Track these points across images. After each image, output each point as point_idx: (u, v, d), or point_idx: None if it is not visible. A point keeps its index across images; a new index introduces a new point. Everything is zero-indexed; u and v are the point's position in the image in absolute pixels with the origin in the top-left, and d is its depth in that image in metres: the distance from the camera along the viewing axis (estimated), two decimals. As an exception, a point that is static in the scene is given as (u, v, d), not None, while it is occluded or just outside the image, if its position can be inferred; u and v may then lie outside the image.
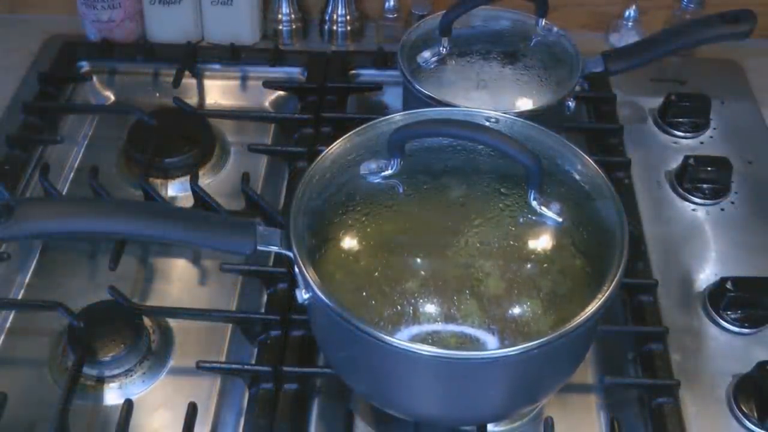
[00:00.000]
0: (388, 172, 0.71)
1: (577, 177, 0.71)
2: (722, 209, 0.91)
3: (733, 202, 0.92)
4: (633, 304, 0.80)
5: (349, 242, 0.71)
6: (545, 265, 0.71)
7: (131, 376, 0.75)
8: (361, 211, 0.71)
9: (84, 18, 1.09)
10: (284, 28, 1.12)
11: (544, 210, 0.67)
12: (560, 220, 0.67)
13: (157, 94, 1.07)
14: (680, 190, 0.92)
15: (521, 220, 0.69)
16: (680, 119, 1.00)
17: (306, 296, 0.63)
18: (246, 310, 0.82)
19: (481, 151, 0.72)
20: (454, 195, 0.71)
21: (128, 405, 0.71)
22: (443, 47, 0.90)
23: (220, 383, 0.76)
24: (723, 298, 0.79)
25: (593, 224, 0.69)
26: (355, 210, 0.71)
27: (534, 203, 0.67)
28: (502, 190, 0.70)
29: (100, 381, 0.75)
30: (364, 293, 0.69)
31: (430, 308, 0.68)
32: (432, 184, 0.72)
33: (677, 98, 1.00)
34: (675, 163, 0.96)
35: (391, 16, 1.12)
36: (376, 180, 0.71)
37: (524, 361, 0.60)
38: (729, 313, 0.80)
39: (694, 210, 0.91)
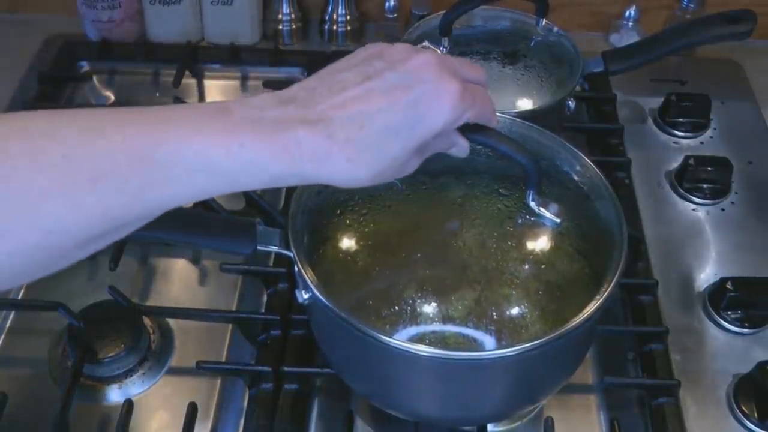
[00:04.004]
0: (444, 51, 0.69)
1: (576, 177, 0.71)
2: (722, 209, 0.91)
3: (733, 202, 0.92)
4: (633, 304, 0.80)
5: (349, 242, 0.72)
6: (544, 266, 0.71)
7: (131, 376, 0.75)
8: (361, 211, 0.71)
9: (84, 18, 1.09)
10: (284, 28, 1.12)
11: (543, 210, 0.67)
12: (558, 220, 0.67)
13: (157, 94, 1.07)
14: (680, 190, 0.92)
15: (520, 220, 0.69)
16: (680, 119, 1.00)
17: (306, 296, 0.63)
18: (246, 310, 0.82)
19: (480, 152, 0.72)
20: (452, 195, 0.71)
21: (128, 405, 0.71)
22: (443, 47, 0.90)
23: (220, 383, 0.76)
24: (723, 298, 0.79)
25: (592, 225, 0.69)
26: (354, 210, 0.71)
27: (532, 203, 0.66)
28: (500, 190, 0.71)
29: (100, 381, 0.75)
30: (363, 293, 0.69)
31: (429, 308, 0.68)
32: (430, 184, 0.72)
33: (677, 98, 1.00)
34: (675, 163, 0.96)
35: (391, 16, 1.12)
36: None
37: (524, 361, 0.60)
38: (729, 313, 0.79)
39: (694, 210, 0.91)
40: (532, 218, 0.68)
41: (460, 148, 0.57)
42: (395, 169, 0.52)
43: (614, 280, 0.62)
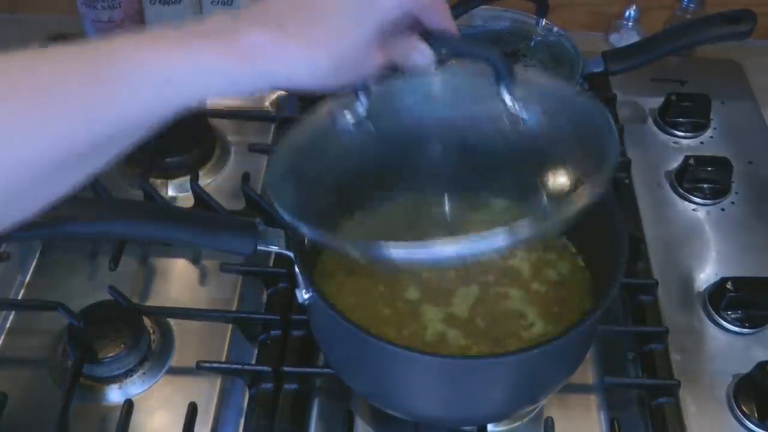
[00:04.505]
0: (361, 111, 0.64)
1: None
2: (722, 209, 0.91)
3: (733, 202, 0.92)
4: (633, 304, 0.80)
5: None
6: (543, 265, 0.71)
7: (131, 376, 0.75)
8: (361, 211, 0.71)
9: (84, 18, 1.09)
10: (284, 28, 1.12)
11: (518, 105, 0.60)
12: (538, 113, 0.61)
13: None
14: (680, 190, 0.92)
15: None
16: (680, 119, 1.00)
17: (306, 296, 0.63)
18: (246, 310, 0.82)
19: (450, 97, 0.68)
20: (452, 195, 0.71)
21: (128, 405, 0.71)
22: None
23: (220, 383, 0.76)
24: (723, 298, 0.79)
25: (593, 221, 0.68)
26: (354, 208, 0.71)
27: (506, 98, 0.59)
28: (497, 188, 0.69)
29: (100, 381, 0.75)
30: (364, 293, 0.69)
31: (430, 308, 0.68)
32: (430, 182, 0.71)
33: (677, 98, 1.00)
34: (675, 163, 0.95)
35: (391, 16, 1.12)
36: (352, 129, 0.64)
37: (524, 361, 0.60)
38: (729, 313, 0.79)
39: (694, 210, 0.91)
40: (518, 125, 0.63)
41: (422, 53, 0.55)
42: (356, 60, 0.52)
43: (617, 281, 0.61)
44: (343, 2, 0.51)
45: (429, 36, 0.55)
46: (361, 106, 0.63)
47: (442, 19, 0.56)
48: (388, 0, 0.52)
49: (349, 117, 0.63)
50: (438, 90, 0.65)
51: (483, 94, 0.61)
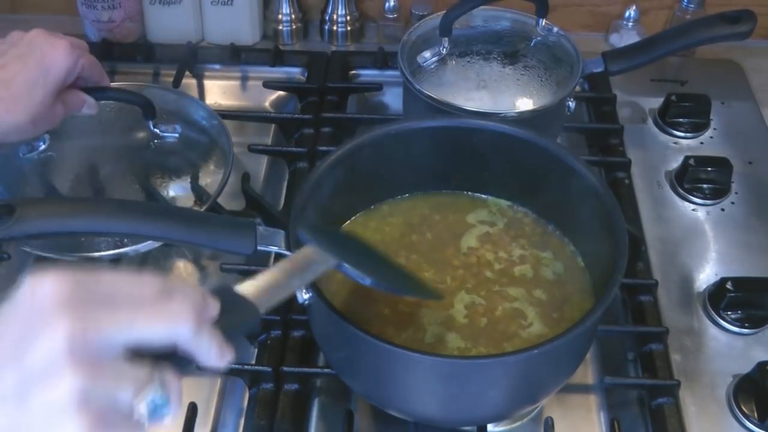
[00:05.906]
0: (444, 51, 0.88)
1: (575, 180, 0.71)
2: (722, 209, 0.91)
3: (733, 202, 0.92)
4: (633, 304, 0.80)
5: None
6: (542, 266, 0.71)
7: (131, 376, 0.75)
8: (362, 213, 0.71)
9: (84, 18, 1.09)
10: (284, 28, 1.12)
11: (164, 131, 0.87)
12: (177, 134, 0.87)
13: (157, 95, 1.07)
14: (680, 190, 0.92)
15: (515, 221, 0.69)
16: (680, 119, 1.00)
17: (306, 296, 0.63)
18: (246, 310, 0.81)
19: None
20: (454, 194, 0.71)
21: (128, 405, 0.71)
22: (443, 47, 0.90)
23: (220, 383, 0.76)
24: (723, 298, 0.79)
25: (591, 223, 0.69)
26: (354, 209, 0.71)
27: (156, 130, 0.86)
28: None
29: (100, 381, 0.75)
30: (363, 294, 0.69)
31: (429, 309, 0.68)
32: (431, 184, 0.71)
33: (677, 98, 1.00)
34: (675, 163, 0.95)
35: (391, 16, 1.12)
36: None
37: (524, 361, 0.60)
38: (729, 313, 0.79)
39: (694, 210, 0.91)
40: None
41: (90, 104, 0.78)
42: (46, 114, 0.72)
43: (616, 280, 0.61)
44: (28, 72, 0.71)
45: (90, 89, 0.78)
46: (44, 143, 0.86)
47: (98, 77, 0.79)
48: (57, 68, 0.72)
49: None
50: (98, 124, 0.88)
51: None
